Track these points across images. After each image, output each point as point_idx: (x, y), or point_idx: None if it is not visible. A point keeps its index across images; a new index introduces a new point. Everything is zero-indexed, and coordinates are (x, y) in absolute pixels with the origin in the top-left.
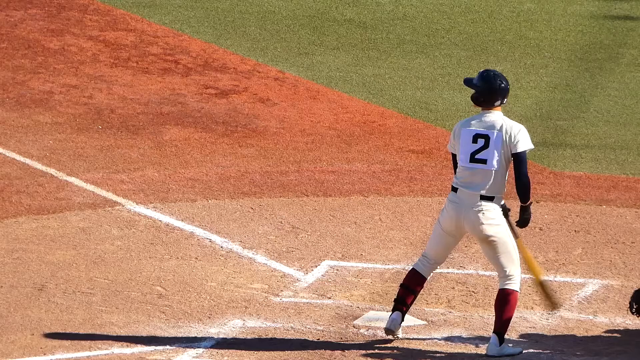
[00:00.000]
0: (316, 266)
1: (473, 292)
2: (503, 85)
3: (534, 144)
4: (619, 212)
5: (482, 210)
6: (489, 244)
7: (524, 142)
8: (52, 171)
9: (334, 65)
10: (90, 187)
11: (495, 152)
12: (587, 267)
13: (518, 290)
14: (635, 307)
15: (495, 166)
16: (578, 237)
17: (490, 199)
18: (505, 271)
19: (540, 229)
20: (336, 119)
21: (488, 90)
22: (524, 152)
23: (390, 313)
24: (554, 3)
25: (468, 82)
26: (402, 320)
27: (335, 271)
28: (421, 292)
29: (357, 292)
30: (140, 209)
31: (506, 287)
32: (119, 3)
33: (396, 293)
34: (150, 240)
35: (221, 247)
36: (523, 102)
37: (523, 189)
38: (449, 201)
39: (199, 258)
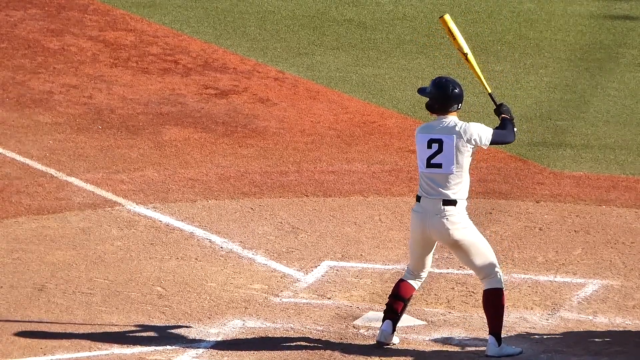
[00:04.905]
0: (316, 266)
1: (473, 292)
2: (457, 91)
3: (533, 144)
4: (619, 212)
5: (446, 216)
6: (460, 249)
7: (486, 134)
8: (52, 171)
9: (334, 66)
10: (90, 187)
11: (450, 155)
12: (587, 267)
13: (502, 287)
14: None
15: (452, 170)
16: (578, 237)
17: (452, 203)
18: (484, 272)
19: (540, 229)
20: (336, 119)
21: (442, 96)
22: (493, 138)
23: (381, 324)
24: (554, 3)
25: (422, 91)
26: (394, 329)
27: (335, 271)
28: (421, 292)
29: (356, 292)
30: (140, 209)
31: (490, 287)
32: (119, 3)
33: (385, 303)
34: (150, 240)
35: (221, 247)
36: (523, 102)
37: (509, 143)
38: (413, 212)
39: (198, 258)
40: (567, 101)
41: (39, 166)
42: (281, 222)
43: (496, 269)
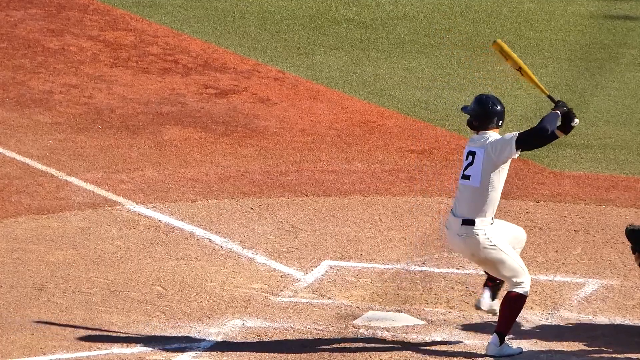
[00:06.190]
0: (316, 266)
1: (473, 292)
2: (498, 108)
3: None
4: (619, 212)
5: (464, 238)
6: (484, 265)
7: (502, 142)
8: (52, 171)
9: (334, 65)
10: (90, 187)
11: (480, 168)
12: (586, 267)
13: (525, 294)
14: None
15: (478, 184)
16: (578, 237)
17: (471, 222)
18: (513, 281)
19: (540, 229)
20: (336, 118)
21: (482, 113)
22: (520, 137)
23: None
24: (554, 3)
25: (464, 109)
26: (495, 296)
27: (335, 271)
28: (421, 292)
29: (356, 292)
30: (140, 209)
31: (514, 290)
32: (119, 3)
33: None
34: (150, 240)
35: (221, 247)
36: (523, 102)
37: (546, 135)
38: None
39: (198, 258)
40: (567, 101)
41: (39, 166)
42: (281, 222)
43: (525, 277)
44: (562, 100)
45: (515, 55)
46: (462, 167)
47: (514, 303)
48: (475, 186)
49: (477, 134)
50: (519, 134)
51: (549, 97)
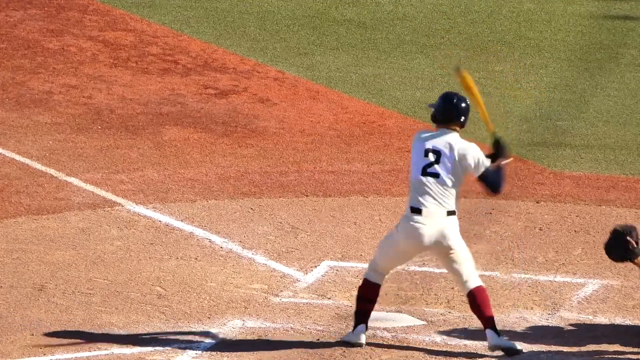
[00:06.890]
0: (316, 266)
1: None
2: (463, 105)
3: (533, 144)
4: (619, 213)
5: (447, 228)
6: (454, 256)
7: (477, 171)
8: (51, 171)
9: (334, 66)
10: (89, 188)
11: (450, 170)
12: (586, 267)
13: (482, 283)
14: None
15: (450, 183)
16: (578, 237)
17: (453, 213)
18: (468, 274)
19: (540, 229)
20: (336, 119)
21: (445, 107)
22: (485, 171)
23: (354, 328)
24: (554, 3)
25: (431, 105)
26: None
27: (334, 271)
28: (420, 292)
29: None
30: (140, 209)
31: (471, 287)
32: (119, 3)
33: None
34: (149, 240)
35: (221, 247)
36: (523, 102)
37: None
38: (414, 223)
39: (198, 258)
40: (567, 101)
41: (38, 166)
42: (281, 222)
43: (473, 269)
44: (499, 140)
45: (476, 91)
46: (418, 164)
47: (481, 298)
48: (446, 184)
49: (438, 130)
50: (486, 169)
51: (494, 136)
